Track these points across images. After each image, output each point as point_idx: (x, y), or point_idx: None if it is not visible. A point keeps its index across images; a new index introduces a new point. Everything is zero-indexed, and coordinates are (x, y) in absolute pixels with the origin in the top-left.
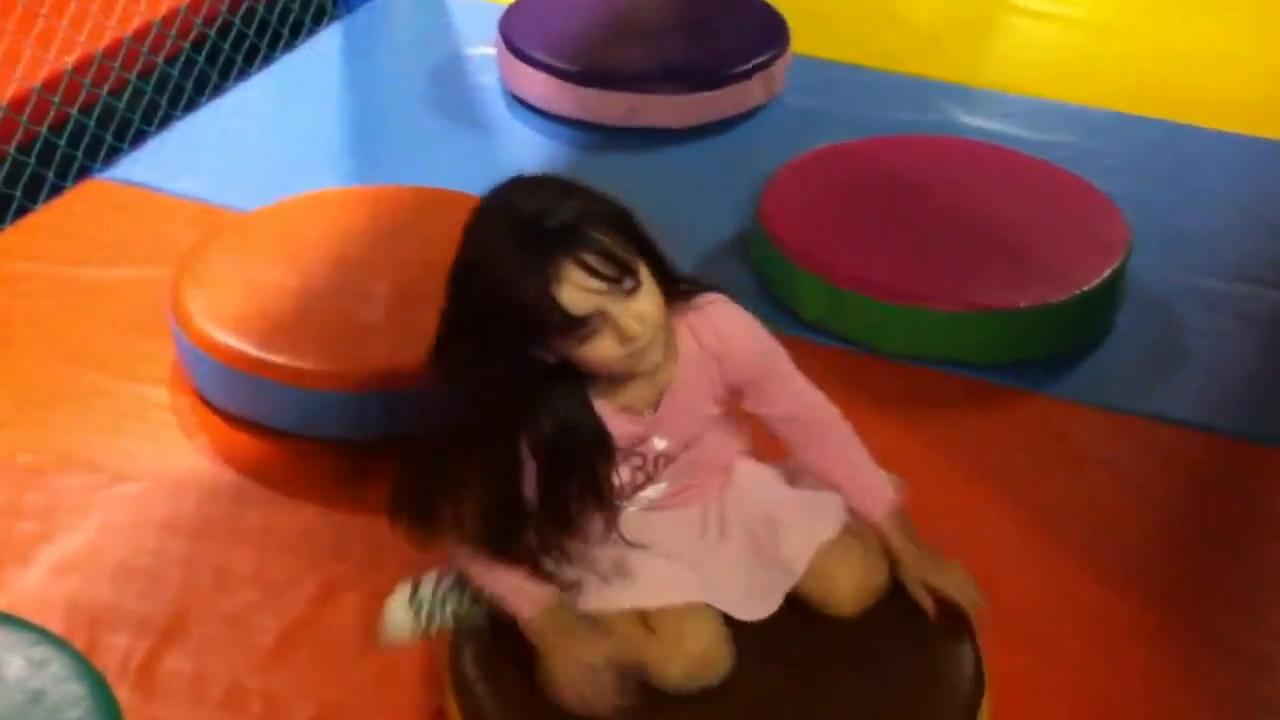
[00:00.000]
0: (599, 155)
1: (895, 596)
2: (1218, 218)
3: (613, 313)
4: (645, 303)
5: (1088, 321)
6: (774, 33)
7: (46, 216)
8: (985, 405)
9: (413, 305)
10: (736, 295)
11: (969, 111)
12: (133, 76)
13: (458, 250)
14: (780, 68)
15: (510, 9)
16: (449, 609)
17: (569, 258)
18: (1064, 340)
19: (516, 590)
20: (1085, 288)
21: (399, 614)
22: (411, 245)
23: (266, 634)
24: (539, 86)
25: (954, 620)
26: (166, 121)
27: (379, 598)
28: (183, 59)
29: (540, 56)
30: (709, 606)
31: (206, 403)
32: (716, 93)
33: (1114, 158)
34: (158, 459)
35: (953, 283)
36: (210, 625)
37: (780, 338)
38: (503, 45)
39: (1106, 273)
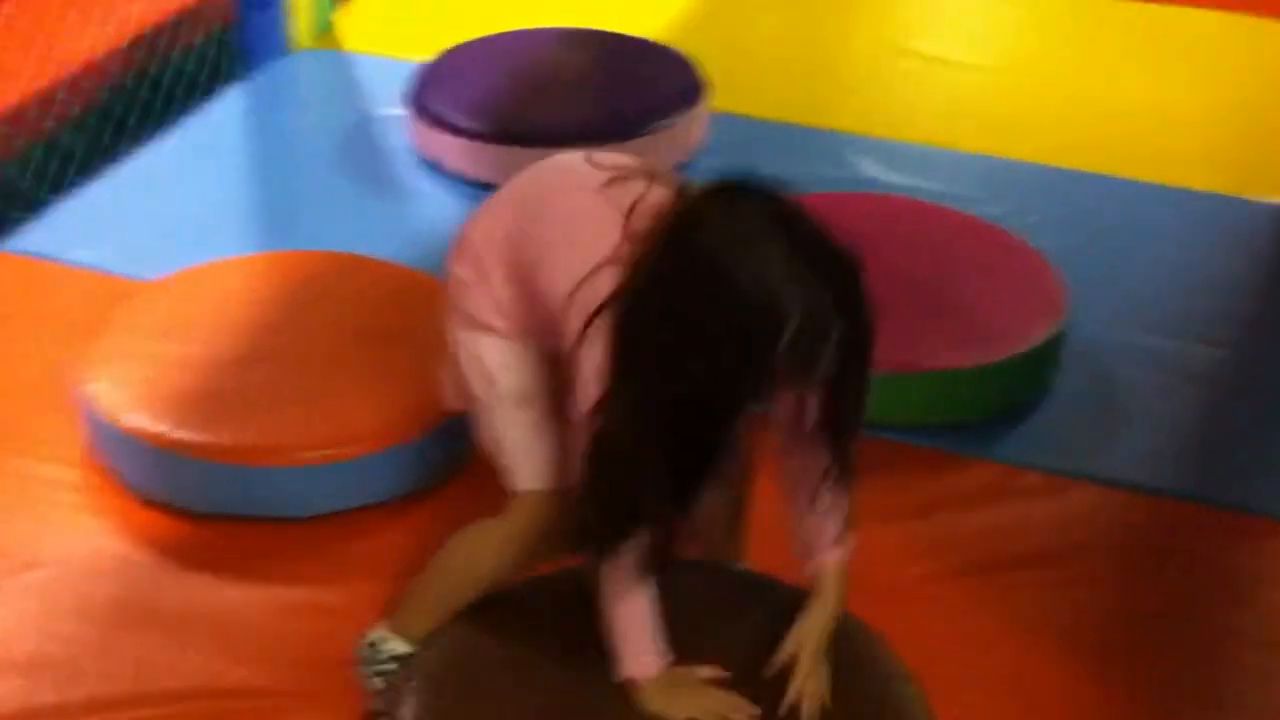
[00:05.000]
0: None
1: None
2: (1153, 273)
3: None
4: None
5: (1026, 382)
6: (690, 88)
7: None
8: (922, 470)
9: (326, 373)
10: None
11: (894, 167)
12: (26, 143)
13: None
14: (698, 123)
15: (420, 70)
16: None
17: None
18: (1001, 402)
19: (643, 643)
20: (1023, 348)
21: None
22: (322, 312)
23: None
24: (450, 148)
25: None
26: (64, 189)
27: (301, 681)
28: (80, 123)
29: (451, 118)
30: None
31: (118, 482)
32: (632, 149)
33: (1044, 213)
34: (68, 542)
35: (886, 344)
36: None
37: None
38: (412, 107)
39: (1044, 332)
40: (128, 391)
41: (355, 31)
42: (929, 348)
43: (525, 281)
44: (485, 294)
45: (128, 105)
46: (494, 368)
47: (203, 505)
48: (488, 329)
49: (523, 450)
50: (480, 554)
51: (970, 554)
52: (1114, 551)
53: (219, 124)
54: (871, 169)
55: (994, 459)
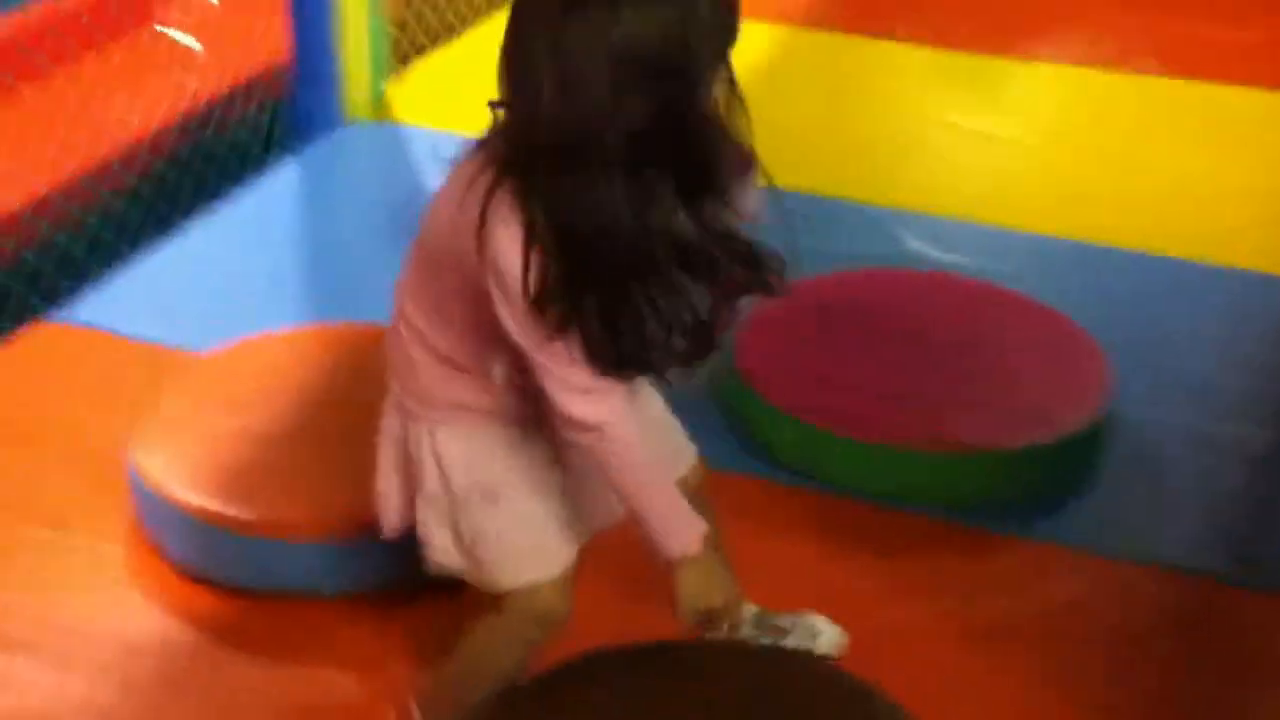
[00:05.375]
0: None
1: None
2: (1199, 352)
3: None
4: None
5: (1072, 463)
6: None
7: None
8: (966, 550)
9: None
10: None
11: (938, 243)
12: (84, 214)
13: None
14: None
15: (468, 142)
16: None
17: None
18: (1047, 482)
19: (681, 517)
20: (1070, 429)
21: None
22: (375, 386)
23: None
24: None
25: None
26: (119, 260)
27: None
28: (135, 194)
29: None
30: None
31: (166, 558)
32: None
33: (1089, 290)
34: (112, 617)
35: (932, 423)
36: None
37: (753, 479)
38: None
39: (1091, 413)
40: (173, 466)
41: (408, 104)
42: (976, 428)
43: (440, 272)
44: (418, 356)
45: (183, 176)
46: (453, 461)
47: (245, 580)
48: (446, 415)
49: (505, 546)
50: (494, 657)
51: (1011, 632)
52: (1157, 632)
53: (273, 196)
54: (915, 244)
55: (1037, 539)
